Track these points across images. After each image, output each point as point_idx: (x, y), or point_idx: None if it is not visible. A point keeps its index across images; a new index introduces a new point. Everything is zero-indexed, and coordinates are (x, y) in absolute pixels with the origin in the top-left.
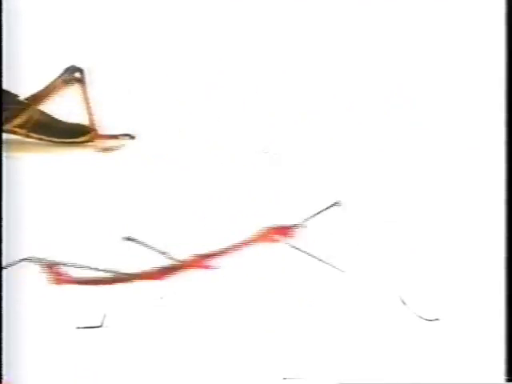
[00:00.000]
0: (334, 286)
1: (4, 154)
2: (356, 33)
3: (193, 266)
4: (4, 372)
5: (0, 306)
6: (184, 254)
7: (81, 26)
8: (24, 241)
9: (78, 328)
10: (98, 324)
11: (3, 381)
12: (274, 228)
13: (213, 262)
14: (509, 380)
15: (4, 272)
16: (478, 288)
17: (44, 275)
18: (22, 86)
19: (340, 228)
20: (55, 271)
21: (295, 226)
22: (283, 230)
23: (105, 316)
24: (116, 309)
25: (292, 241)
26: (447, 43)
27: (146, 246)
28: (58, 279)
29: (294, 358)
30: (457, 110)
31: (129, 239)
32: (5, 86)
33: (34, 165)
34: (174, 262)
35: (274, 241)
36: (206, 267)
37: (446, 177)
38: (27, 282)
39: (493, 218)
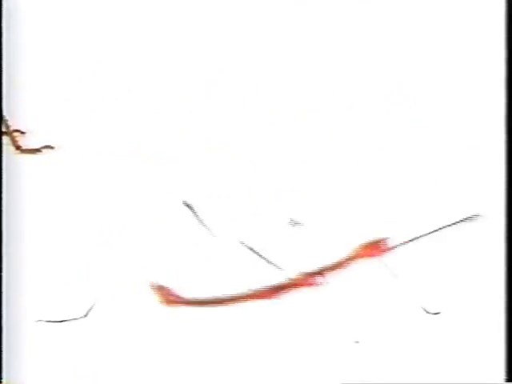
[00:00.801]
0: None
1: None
2: (356, 32)
3: (302, 284)
4: (4, 372)
5: (0, 306)
6: (292, 272)
7: (80, 26)
8: (24, 241)
9: (62, 321)
10: (83, 315)
11: (3, 381)
12: (371, 243)
13: (320, 279)
14: (508, 380)
15: (4, 271)
16: (478, 288)
17: (155, 297)
18: (21, 87)
19: (337, 225)
20: (166, 292)
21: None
22: (379, 246)
23: (92, 307)
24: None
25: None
26: (447, 43)
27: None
28: (169, 300)
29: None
30: (457, 109)
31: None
32: (5, 87)
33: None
34: (284, 280)
35: (370, 256)
36: (314, 284)
37: (447, 174)
38: (28, 284)
39: (493, 214)
